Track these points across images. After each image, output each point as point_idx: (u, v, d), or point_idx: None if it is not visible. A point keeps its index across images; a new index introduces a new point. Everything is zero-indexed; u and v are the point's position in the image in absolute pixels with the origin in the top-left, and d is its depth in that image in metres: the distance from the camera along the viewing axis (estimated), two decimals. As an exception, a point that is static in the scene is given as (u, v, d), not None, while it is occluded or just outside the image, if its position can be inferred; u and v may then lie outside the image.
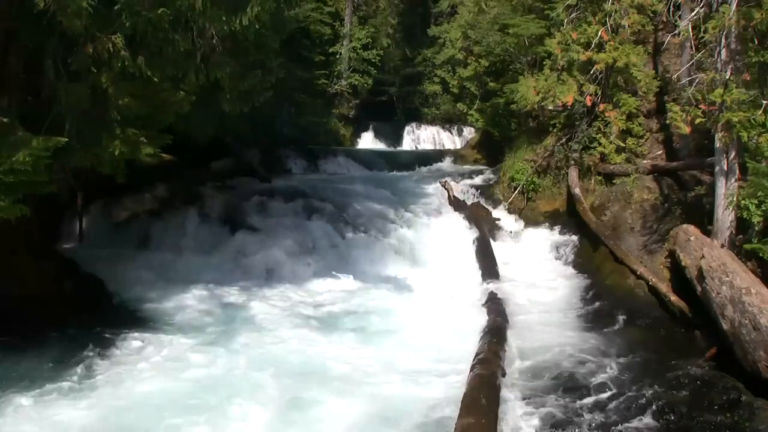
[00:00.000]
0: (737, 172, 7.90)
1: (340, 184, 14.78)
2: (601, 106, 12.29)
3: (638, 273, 9.37)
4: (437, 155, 21.13)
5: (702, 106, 8.04)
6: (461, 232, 12.56)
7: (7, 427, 5.67)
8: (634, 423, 5.87)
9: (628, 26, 11.79)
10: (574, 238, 11.83)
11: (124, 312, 8.75)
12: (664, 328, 8.33)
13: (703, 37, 8.16)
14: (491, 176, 15.88)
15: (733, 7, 7.58)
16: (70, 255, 9.69)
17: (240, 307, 9.19)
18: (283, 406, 6.14)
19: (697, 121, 8.07)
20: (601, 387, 6.66)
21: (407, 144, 24.08)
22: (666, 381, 6.58)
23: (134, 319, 8.53)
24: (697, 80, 8.37)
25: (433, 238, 12.22)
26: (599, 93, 12.31)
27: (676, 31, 9.68)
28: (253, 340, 7.89)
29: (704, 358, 7.23)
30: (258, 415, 5.97)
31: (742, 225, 7.85)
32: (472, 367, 6.63)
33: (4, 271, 7.66)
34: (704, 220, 8.75)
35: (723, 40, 7.81)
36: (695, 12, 8.73)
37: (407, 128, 24.41)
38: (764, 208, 7.21)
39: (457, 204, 13.72)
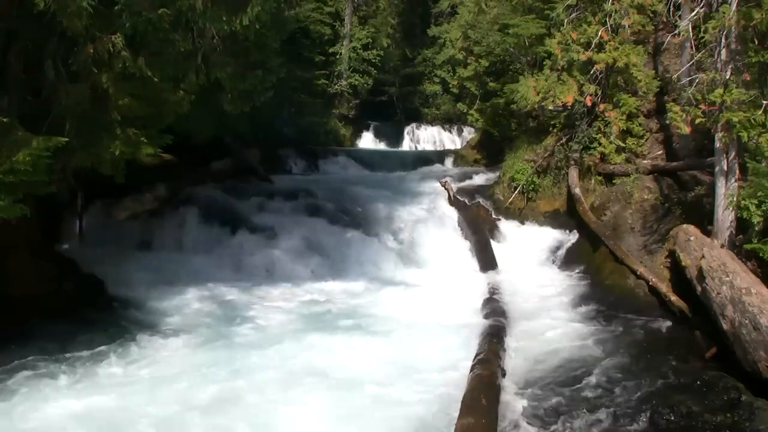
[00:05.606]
0: (737, 172, 7.90)
1: (340, 184, 14.77)
2: (601, 106, 12.30)
3: (638, 273, 9.37)
4: (437, 155, 21.10)
5: (702, 106, 8.04)
6: (461, 232, 12.58)
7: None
8: (634, 423, 5.87)
9: (628, 26, 11.80)
10: (574, 238, 11.84)
11: (123, 312, 8.74)
12: (664, 328, 8.33)
13: (703, 37, 8.16)
14: (491, 176, 15.86)
15: (733, 7, 7.58)
16: (70, 255, 9.69)
17: (240, 307, 9.20)
18: (282, 406, 6.13)
19: (697, 121, 8.07)
20: (601, 386, 6.65)
21: (407, 144, 24.06)
22: (666, 381, 6.58)
23: (134, 319, 8.54)
24: (697, 80, 8.35)
25: (433, 238, 12.23)
26: (599, 93, 12.31)
27: (676, 31, 9.69)
28: (253, 340, 7.90)
29: (704, 358, 7.24)
30: (257, 416, 5.96)
31: (742, 225, 7.85)
32: (472, 368, 6.64)
33: (4, 270, 7.66)
34: (704, 220, 8.75)
35: (723, 40, 7.81)
36: (695, 12, 8.74)
37: (407, 128, 24.40)
38: (764, 208, 7.21)
39: (457, 204, 13.71)
